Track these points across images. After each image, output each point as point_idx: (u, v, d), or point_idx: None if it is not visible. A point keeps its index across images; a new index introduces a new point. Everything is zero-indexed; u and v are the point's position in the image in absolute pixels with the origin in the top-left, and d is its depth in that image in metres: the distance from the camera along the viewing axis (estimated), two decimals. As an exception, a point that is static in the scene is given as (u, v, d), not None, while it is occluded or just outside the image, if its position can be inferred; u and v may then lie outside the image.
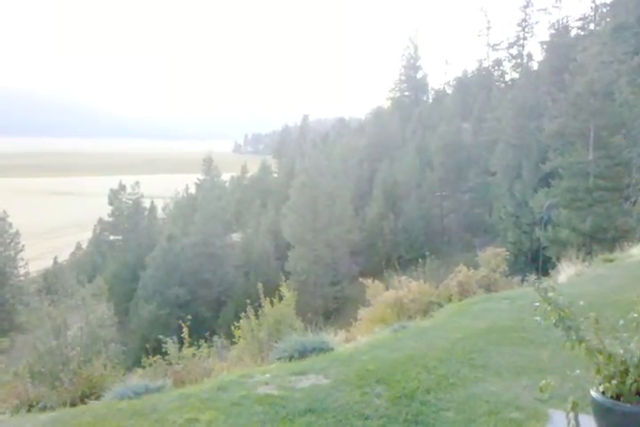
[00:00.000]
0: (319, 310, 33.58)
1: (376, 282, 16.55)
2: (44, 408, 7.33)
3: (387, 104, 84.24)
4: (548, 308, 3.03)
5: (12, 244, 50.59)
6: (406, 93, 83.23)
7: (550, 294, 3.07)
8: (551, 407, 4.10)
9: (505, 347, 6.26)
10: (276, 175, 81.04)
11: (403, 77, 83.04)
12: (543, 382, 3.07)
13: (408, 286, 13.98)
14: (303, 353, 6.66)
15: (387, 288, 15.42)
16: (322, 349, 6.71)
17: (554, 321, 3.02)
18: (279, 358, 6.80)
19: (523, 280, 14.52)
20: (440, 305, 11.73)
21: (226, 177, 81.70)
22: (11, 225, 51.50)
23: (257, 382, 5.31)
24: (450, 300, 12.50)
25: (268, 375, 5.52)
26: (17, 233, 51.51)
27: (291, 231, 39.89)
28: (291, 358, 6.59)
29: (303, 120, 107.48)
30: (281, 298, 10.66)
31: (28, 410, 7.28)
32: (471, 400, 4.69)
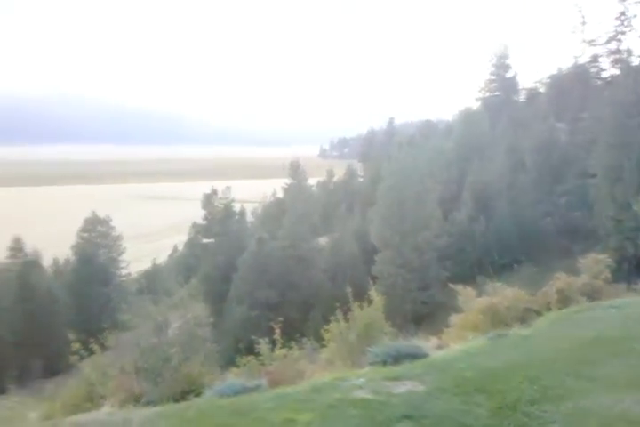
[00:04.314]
0: (408, 316, 33.12)
1: (467, 288, 16.09)
2: (147, 403, 7.69)
3: (475, 105, 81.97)
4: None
5: (115, 246, 54.04)
6: (496, 93, 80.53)
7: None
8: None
9: (614, 358, 5.87)
10: (361, 179, 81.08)
11: (492, 77, 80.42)
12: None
13: (502, 293, 13.48)
14: (397, 358, 6.58)
15: (479, 294, 14.94)
16: (416, 355, 6.61)
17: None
18: (372, 363, 6.77)
19: (628, 288, 13.62)
20: (538, 313, 11.21)
21: (312, 181, 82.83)
22: (114, 229, 55.01)
23: (351, 386, 5.31)
24: (548, 308, 11.92)
25: (362, 379, 5.50)
26: (119, 236, 54.90)
27: (377, 235, 39.62)
28: (384, 363, 6.53)
29: (389, 123, 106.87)
30: (370, 302, 10.59)
31: (134, 404, 7.67)
32: (579, 413, 4.43)
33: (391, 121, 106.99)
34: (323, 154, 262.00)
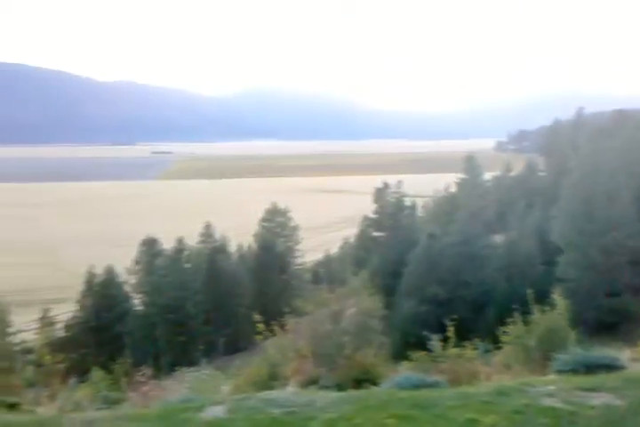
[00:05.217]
0: (591, 323, 30.42)
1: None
2: (322, 387, 7.99)
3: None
4: None
5: (292, 236, 57.26)
6: None
7: None
8: None
9: None
10: (543, 174, 76.10)
11: None
12: None
13: None
14: (588, 368, 6.06)
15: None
16: (611, 366, 6.02)
17: None
18: (559, 371, 6.31)
19: None
20: None
21: (487, 176, 79.61)
22: (291, 219, 58.28)
23: (539, 393, 4.99)
24: None
25: (551, 387, 5.14)
26: (296, 227, 58.04)
27: (560, 235, 36.85)
28: (573, 371, 6.05)
29: (577, 113, 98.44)
30: (552, 306, 9.90)
31: (311, 387, 7.99)
32: None
33: (579, 111, 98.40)
34: (499, 147, 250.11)
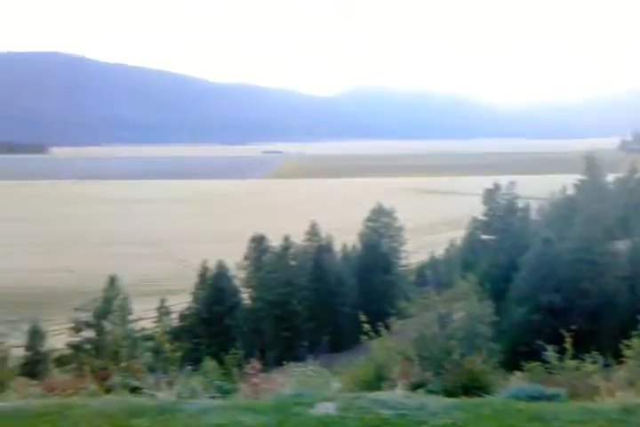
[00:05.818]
0: None
1: None
2: (429, 391, 7.80)
3: None
4: None
5: (397, 237, 56.84)
6: None
7: None
8: None
9: None
10: (674, 176, 69.80)
11: None
12: None
13: None
14: None
15: None
16: None
17: None
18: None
19: None
20: None
21: (610, 178, 74.25)
22: (396, 220, 57.86)
23: (674, 413, 4.57)
24: None
25: (685, 408, 4.69)
26: (401, 227, 57.54)
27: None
28: None
29: None
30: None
31: (413, 390, 7.84)
32: None
33: None
34: (624, 147, 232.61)
